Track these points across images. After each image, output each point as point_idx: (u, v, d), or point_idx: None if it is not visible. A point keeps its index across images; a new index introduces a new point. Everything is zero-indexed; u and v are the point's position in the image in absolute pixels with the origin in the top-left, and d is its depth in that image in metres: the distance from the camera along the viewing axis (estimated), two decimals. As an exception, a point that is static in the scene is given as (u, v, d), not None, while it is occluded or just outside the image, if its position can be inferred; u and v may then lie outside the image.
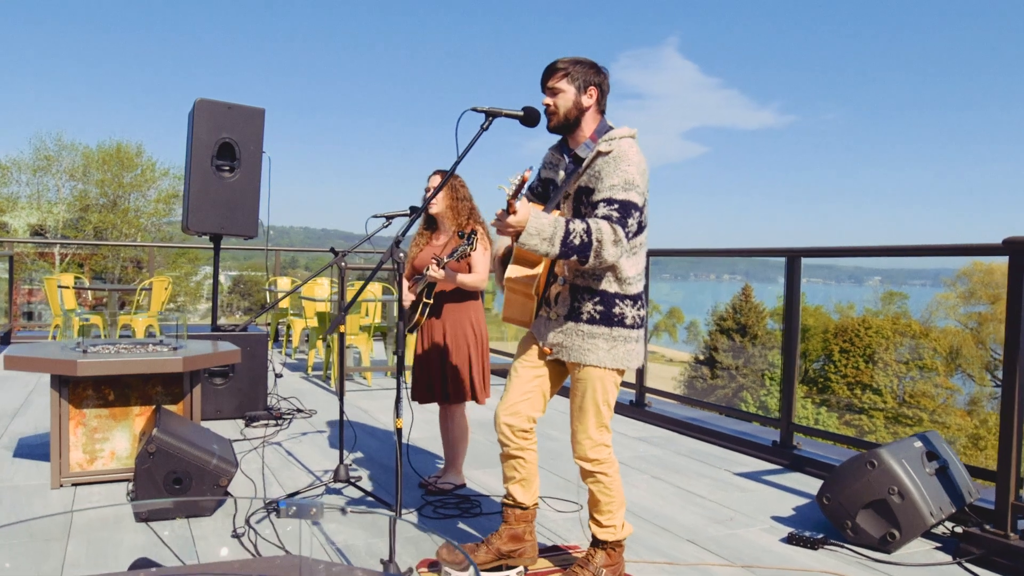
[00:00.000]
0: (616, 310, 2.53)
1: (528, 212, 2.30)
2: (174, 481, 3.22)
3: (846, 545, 3.15)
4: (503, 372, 7.00)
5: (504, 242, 2.78)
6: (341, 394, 3.71)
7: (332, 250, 3.80)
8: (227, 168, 5.29)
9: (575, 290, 2.57)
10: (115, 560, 2.76)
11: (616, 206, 2.40)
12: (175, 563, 2.74)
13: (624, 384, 2.88)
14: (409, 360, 6.32)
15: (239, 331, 5.32)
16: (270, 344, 8.18)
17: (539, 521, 3.27)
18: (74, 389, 3.64)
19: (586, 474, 2.63)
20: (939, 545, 3.20)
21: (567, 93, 2.55)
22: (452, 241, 3.61)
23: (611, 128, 2.56)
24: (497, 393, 3.91)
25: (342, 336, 3.91)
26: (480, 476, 4.02)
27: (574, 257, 2.36)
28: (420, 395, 3.74)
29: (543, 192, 2.77)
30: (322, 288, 8.64)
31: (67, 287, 8.68)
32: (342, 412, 3.65)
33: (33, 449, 4.26)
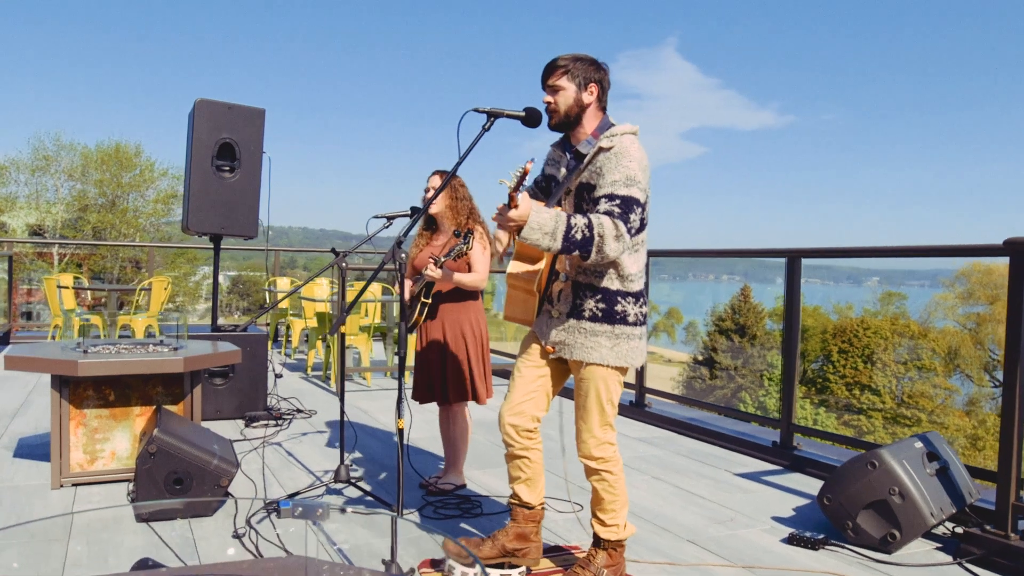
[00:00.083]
0: (618, 307, 2.53)
1: (530, 206, 2.31)
2: (175, 481, 3.22)
3: (847, 545, 3.16)
4: (503, 372, 7.00)
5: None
6: (342, 394, 3.70)
7: (333, 250, 3.80)
8: (227, 168, 5.28)
9: (577, 287, 2.57)
10: (116, 560, 2.75)
11: (618, 202, 2.40)
12: (176, 564, 2.73)
13: (624, 384, 2.88)
14: (409, 360, 6.32)
15: (240, 331, 5.31)
16: (269, 344, 8.17)
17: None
18: (75, 389, 3.64)
19: (590, 472, 2.64)
20: (940, 546, 3.20)
21: (567, 90, 2.55)
22: (451, 241, 3.62)
23: (613, 125, 2.57)
24: (499, 393, 3.91)
25: (342, 336, 3.91)
26: (481, 476, 4.02)
27: (576, 252, 2.36)
28: (420, 395, 3.74)
29: (546, 188, 2.77)
30: (321, 288, 8.64)
31: (66, 287, 8.67)
32: (343, 412, 3.65)
33: (33, 449, 4.26)
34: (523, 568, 2.77)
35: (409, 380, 5.48)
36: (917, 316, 38.80)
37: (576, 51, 2.66)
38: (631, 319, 2.55)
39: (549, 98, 2.58)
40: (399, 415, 2.75)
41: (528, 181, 2.83)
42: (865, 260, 35.49)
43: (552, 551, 3.00)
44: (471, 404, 3.73)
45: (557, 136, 2.72)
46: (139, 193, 34.12)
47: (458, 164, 2.66)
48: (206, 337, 4.95)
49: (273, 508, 3.25)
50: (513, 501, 2.80)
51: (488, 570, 2.73)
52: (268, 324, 9.13)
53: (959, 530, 3.24)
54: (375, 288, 7.52)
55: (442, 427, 3.81)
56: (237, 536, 2.99)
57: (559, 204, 2.66)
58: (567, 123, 2.59)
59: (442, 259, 3.33)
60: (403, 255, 2.85)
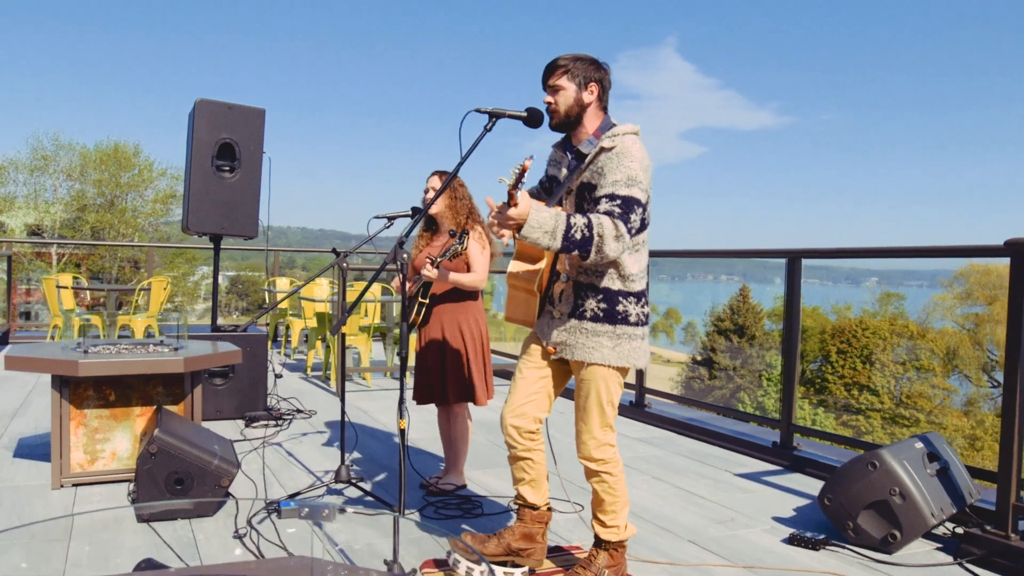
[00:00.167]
0: (620, 307, 2.53)
1: (529, 205, 2.30)
2: (176, 482, 3.22)
3: (847, 546, 3.16)
4: (503, 372, 7.01)
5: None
6: (343, 395, 3.70)
7: (334, 250, 3.80)
8: (227, 168, 5.28)
9: (578, 287, 2.57)
10: (117, 561, 2.75)
11: (618, 202, 2.40)
12: (178, 564, 2.73)
13: (624, 384, 2.87)
14: (410, 361, 6.32)
15: (241, 331, 5.31)
16: (269, 344, 8.17)
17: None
18: (75, 389, 3.64)
19: (590, 474, 2.64)
20: (940, 546, 3.21)
21: (568, 90, 2.55)
22: (449, 241, 3.62)
23: (614, 125, 2.57)
24: (499, 394, 3.91)
25: (343, 336, 3.91)
26: (481, 477, 4.02)
27: (575, 251, 2.36)
28: (418, 396, 3.74)
29: (550, 189, 2.77)
30: (321, 288, 8.64)
31: (66, 287, 8.66)
32: (343, 413, 3.65)
33: (33, 449, 4.26)
34: (526, 568, 2.77)
35: (410, 380, 5.49)
36: (916, 316, 38.85)
37: (576, 51, 2.66)
38: (633, 319, 2.55)
39: (549, 98, 2.58)
40: (401, 415, 2.75)
41: (532, 182, 2.84)
42: (864, 260, 35.51)
43: (553, 551, 3.00)
44: (470, 405, 3.73)
45: (558, 137, 2.72)
46: (138, 193, 34.13)
47: (460, 164, 2.66)
48: (206, 337, 4.95)
49: (274, 508, 3.26)
50: (519, 502, 2.80)
51: (493, 567, 2.73)
52: (267, 324, 9.13)
53: (959, 530, 3.24)
54: (375, 288, 7.52)
55: (441, 428, 3.81)
56: (238, 536, 2.99)
57: (560, 204, 2.65)
58: (568, 123, 2.59)
59: (438, 259, 3.33)
60: (405, 255, 2.85)
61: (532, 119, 2.61)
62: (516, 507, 2.83)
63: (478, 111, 2.60)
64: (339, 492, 3.67)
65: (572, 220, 2.33)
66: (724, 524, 3.42)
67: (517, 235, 2.35)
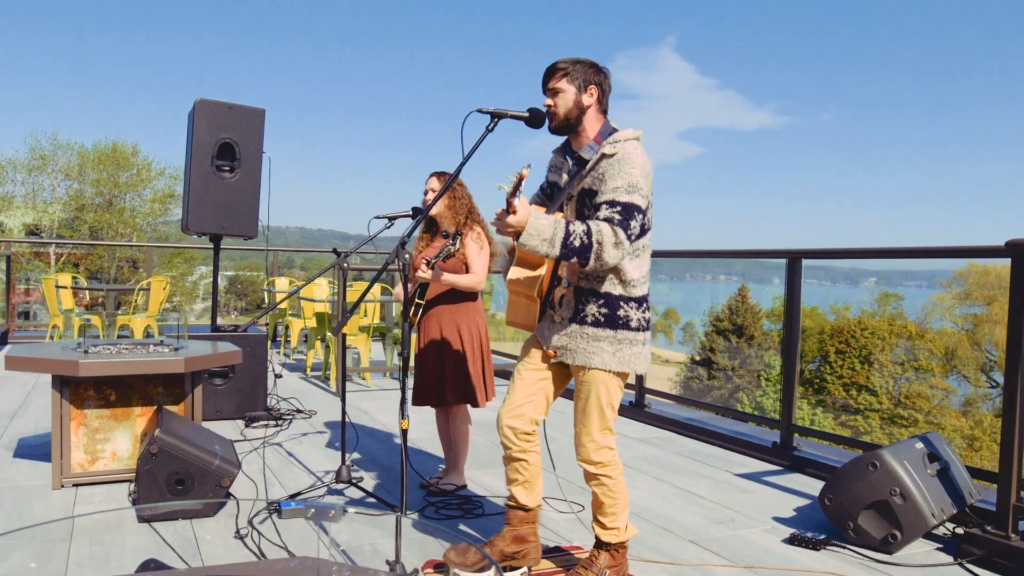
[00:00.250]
0: (621, 312, 2.53)
1: (528, 212, 2.30)
2: (176, 482, 3.21)
3: (848, 546, 3.16)
4: (502, 373, 7.00)
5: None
6: (343, 395, 3.70)
7: (335, 251, 3.80)
8: (227, 168, 5.28)
9: (579, 293, 2.57)
10: (119, 561, 2.75)
11: (618, 208, 2.39)
12: (179, 564, 2.73)
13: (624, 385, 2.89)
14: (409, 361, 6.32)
15: (241, 332, 5.31)
16: (268, 344, 8.17)
17: (541, 522, 3.27)
18: (75, 389, 3.63)
19: (590, 477, 2.63)
20: (940, 546, 3.21)
21: (567, 93, 2.54)
22: (445, 242, 3.62)
23: (615, 130, 2.56)
24: (501, 394, 3.91)
25: (344, 337, 3.91)
26: (481, 477, 4.02)
27: (574, 259, 2.35)
28: (417, 397, 3.73)
29: (551, 195, 2.77)
30: (320, 288, 8.64)
31: (65, 287, 8.66)
32: (344, 413, 3.65)
33: (33, 449, 4.25)
34: (524, 569, 2.77)
35: (410, 381, 5.48)
36: (914, 317, 38.88)
37: (574, 52, 2.66)
38: (634, 324, 2.55)
39: (549, 101, 2.58)
40: (402, 415, 2.75)
41: (533, 187, 2.84)
42: (862, 260, 35.55)
43: (553, 552, 3.00)
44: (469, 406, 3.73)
45: (557, 140, 2.71)
46: (136, 193, 34.09)
47: (462, 165, 2.66)
48: (206, 337, 4.95)
49: (275, 509, 3.26)
50: (510, 503, 2.79)
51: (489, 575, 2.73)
52: (267, 324, 9.13)
53: (960, 531, 3.25)
54: (374, 288, 7.52)
55: (440, 428, 3.81)
56: (239, 536, 2.99)
57: (561, 210, 2.64)
58: (567, 126, 2.58)
59: (433, 260, 3.33)
60: (407, 256, 2.85)
61: (534, 119, 2.61)
62: (506, 508, 2.81)
63: (480, 112, 2.60)
64: (340, 492, 3.67)
65: (571, 227, 2.32)
66: (724, 524, 3.43)
67: (516, 242, 2.35)
